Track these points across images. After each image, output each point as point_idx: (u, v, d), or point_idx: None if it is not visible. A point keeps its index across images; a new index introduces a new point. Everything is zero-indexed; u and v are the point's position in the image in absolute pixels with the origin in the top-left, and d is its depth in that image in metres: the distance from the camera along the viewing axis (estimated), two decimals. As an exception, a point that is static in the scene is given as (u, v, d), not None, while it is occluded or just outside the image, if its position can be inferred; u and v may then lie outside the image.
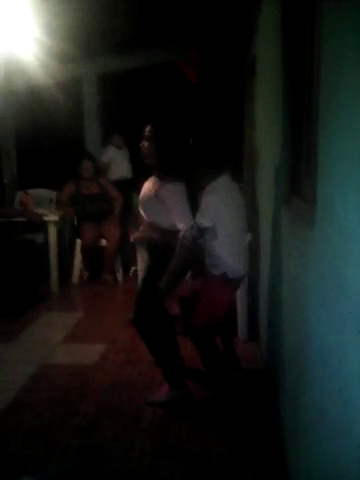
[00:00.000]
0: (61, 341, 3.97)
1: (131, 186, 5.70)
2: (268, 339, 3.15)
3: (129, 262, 5.54)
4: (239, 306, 3.71)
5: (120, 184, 5.99)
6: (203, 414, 2.80)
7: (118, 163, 6.44)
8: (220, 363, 2.97)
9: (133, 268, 4.10)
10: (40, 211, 5.52)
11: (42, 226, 5.43)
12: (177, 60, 5.98)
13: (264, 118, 3.59)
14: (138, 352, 3.61)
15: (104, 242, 5.46)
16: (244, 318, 3.77)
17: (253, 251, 3.83)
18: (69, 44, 5.00)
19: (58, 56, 5.25)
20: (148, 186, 2.94)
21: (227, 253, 2.77)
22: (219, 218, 2.70)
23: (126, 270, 5.62)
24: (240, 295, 3.65)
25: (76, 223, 5.57)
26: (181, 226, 2.72)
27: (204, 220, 2.69)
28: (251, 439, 2.57)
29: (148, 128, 2.87)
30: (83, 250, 5.46)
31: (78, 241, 5.47)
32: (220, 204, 2.72)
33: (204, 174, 2.83)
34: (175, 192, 2.78)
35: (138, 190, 3.42)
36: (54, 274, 5.30)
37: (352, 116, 1.13)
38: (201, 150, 2.86)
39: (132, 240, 3.80)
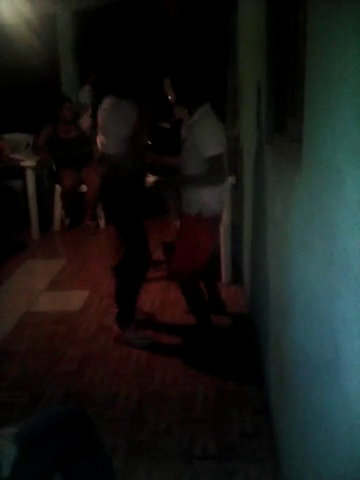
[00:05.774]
0: (44, 289, 3.92)
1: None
2: (252, 283, 3.13)
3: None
4: (223, 250, 3.67)
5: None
6: (188, 358, 2.80)
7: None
8: (203, 307, 2.96)
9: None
10: (17, 156, 5.35)
11: (20, 172, 5.26)
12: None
13: (248, 53, 3.42)
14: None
15: (84, 188, 5.32)
16: (228, 262, 3.74)
17: (236, 193, 3.76)
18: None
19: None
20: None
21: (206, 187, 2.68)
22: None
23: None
24: (223, 239, 3.60)
25: (55, 168, 5.39)
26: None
27: (213, 149, 2.55)
28: (235, 380, 2.59)
29: None
30: (63, 196, 5.32)
31: (57, 187, 5.32)
32: (214, 129, 2.62)
33: (188, 102, 2.72)
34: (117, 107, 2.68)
35: None
36: (34, 221, 5.19)
37: (343, 44, 1.02)
38: (186, 76, 2.72)
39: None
